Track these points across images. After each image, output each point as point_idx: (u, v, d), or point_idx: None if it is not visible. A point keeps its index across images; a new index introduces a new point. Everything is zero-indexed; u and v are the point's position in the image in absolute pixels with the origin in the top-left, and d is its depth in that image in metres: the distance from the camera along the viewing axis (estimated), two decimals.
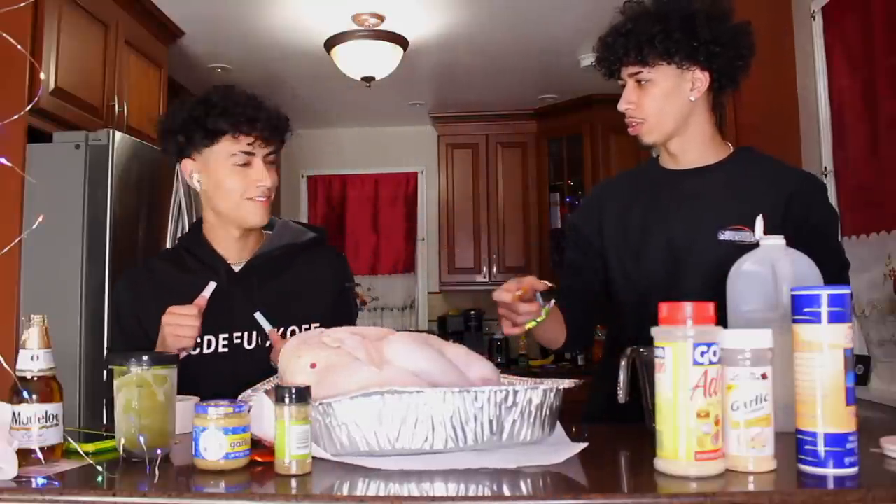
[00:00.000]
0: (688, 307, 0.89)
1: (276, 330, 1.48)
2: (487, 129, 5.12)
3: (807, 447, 0.89)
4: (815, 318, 0.89)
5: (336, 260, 1.67)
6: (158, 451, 0.98)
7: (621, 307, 1.56)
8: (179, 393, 1.08)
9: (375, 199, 5.54)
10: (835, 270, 1.35)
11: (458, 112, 5.07)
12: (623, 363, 1.18)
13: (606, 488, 0.91)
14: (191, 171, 1.52)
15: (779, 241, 1.12)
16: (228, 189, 1.49)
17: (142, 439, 0.99)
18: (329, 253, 1.67)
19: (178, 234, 2.73)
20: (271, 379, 1.25)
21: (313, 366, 1.08)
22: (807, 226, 1.40)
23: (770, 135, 2.60)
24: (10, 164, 1.14)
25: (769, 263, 1.10)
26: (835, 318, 0.89)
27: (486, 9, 3.40)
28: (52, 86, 2.51)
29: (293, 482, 0.91)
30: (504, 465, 0.95)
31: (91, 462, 0.95)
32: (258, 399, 1.04)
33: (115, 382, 1.04)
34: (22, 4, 2.06)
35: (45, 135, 2.54)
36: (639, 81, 1.45)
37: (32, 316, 1.05)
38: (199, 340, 1.47)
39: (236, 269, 1.54)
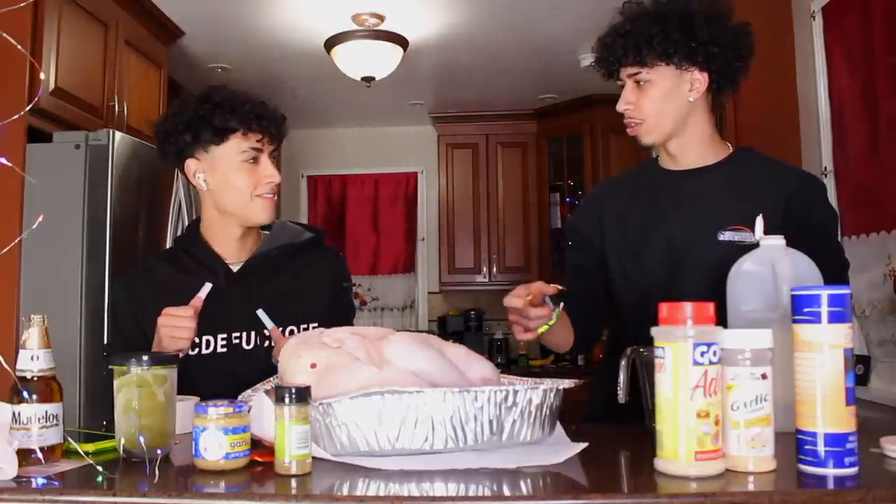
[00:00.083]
0: (688, 307, 0.89)
1: (276, 328, 1.48)
2: (487, 129, 5.12)
3: (807, 447, 0.89)
4: (815, 318, 0.89)
5: (334, 260, 1.67)
6: (158, 451, 0.98)
7: (621, 307, 1.57)
8: (179, 393, 1.08)
9: (375, 199, 5.54)
10: (835, 270, 1.35)
11: (458, 112, 5.07)
12: (623, 363, 1.18)
13: (606, 488, 0.91)
14: (195, 171, 1.52)
15: (779, 241, 1.12)
16: (238, 187, 1.50)
17: (142, 439, 0.99)
18: (327, 253, 1.67)
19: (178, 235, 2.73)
20: (271, 379, 1.25)
21: (313, 366, 1.08)
22: (807, 226, 1.40)
23: (770, 135, 2.60)
24: (10, 164, 1.14)
25: (769, 263, 1.10)
26: (835, 318, 0.89)
27: (486, 9, 3.40)
28: (52, 86, 2.51)
29: (293, 482, 0.91)
30: (504, 465, 0.95)
31: (91, 462, 0.95)
32: (258, 399, 1.04)
33: (115, 382, 1.04)
34: (22, 4, 2.06)
35: (45, 135, 2.54)
36: (637, 82, 1.45)
37: (32, 316, 1.05)
38: (197, 341, 1.47)
39: (234, 269, 1.54)
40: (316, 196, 5.58)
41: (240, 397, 1.08)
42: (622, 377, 1.18)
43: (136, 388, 1.02)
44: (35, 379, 1.03)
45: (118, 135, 2.58)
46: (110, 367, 1.05)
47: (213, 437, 0.94)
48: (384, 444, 0.99)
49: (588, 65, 3.77)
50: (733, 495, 0.82)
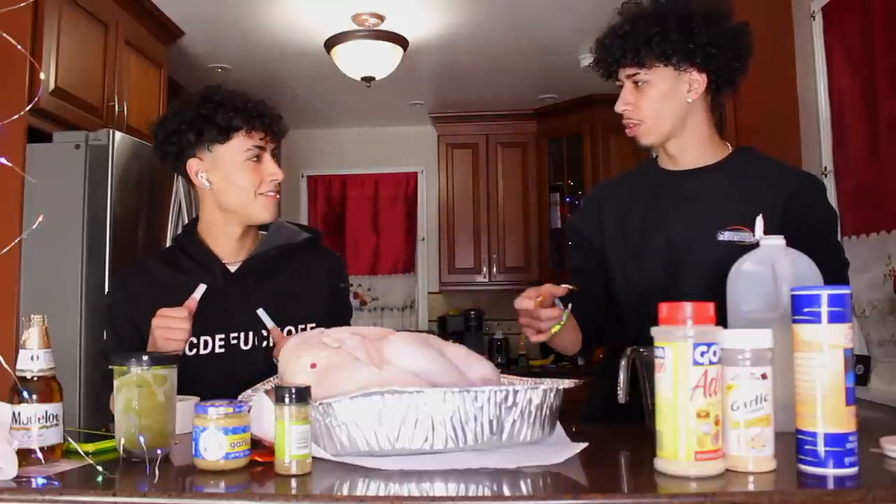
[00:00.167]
0: (688, 307, 0.89)
1: (277, 327, 1.48)
2: (487, 129, 5.12)
3: (807, 447, 0.89)
4: (815, 318, 0.89)
5: (331, 261, 1.68)
6: (158, 451, 0.98)
7: (621, 308, 1.57)
8: (178, 393, 1.08)
9: (375, 199, 5.53)
10: (834, 270, 1.36)
11: (458, 112, 5.07)
12: (623, 363, 1.18)
13: (606, 488, 0.91)
14: (197, 170, 1.52)
15: (779, 241, 1.12)
16: (241, 185, 1.50)
17: (142, 439, 0.99)
18: (324, 254, 1.67)
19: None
20: (271, 379, 1.25)
21: (313, 366, 1.08)
22: (806, 226, 1.40)
23: (770, 135, 2.60)
24: (10, 164, 1.14)
25: (769, 263, 1.10)
26: (835, 318, 0.89)
27: (486, 9, 3.40)
28: (52, 86, 2.51)
29: (293, 482, 0.91)
30: (504, 465, 0.95)
31: (91, 462, 0.95)
32: (258, 399, 1.04)
33: (116, 382, 1.04)
34: (22, 4, 2.06)
35: (45, 135, 2.54)
36: (636, 83, 1.45)
37: (32, 316, 1.05)
38: (195, 341, 1.47)
39: (232, 269, 1.54)
40: (316, 196, 5.58)
41: (240, 397, 1.08)
42: (622, 377, 1.18)
43: (136, 388, 1.02)
44: (35, 379, 1.03)
45: (118, 135, 2.58)
46: (110, 367, 1.05)
47: (213, 437, 0.94)
48: (384, 444, 0.99)
49: (588, 65, 3.77)
50: (733, 495, 0.82)
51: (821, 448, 0.88)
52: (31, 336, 1.04)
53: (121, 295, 1.55)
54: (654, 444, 0.91)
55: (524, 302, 1.31)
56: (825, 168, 2.49)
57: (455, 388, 1.00)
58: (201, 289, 1.39)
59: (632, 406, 1.18)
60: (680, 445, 0.87)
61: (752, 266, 1.12)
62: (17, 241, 2.30)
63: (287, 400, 0.93)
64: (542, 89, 4.68)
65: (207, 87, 1.54)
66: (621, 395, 1.18)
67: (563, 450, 1.02)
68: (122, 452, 1.02)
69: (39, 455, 0.98)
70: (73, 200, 2.49)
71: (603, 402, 1.47)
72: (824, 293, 0.89)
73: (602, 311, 1.58)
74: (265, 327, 1.49)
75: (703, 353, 0.88)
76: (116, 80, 2.92)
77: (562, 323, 1.33)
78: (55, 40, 2.52)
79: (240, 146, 1.50)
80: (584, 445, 1.04)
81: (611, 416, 1.38)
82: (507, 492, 0.87)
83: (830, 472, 0.87)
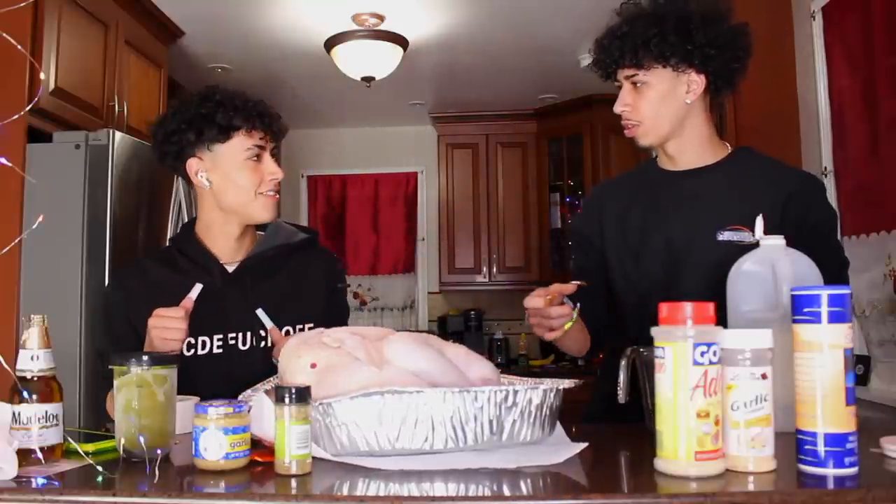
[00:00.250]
0: (688, 307, 0.89)
1: (276, 327, 1.48)
2: (487, 129, 5.12)
3: (807, 447, 0.89)
4: (815, 318, 0.89)
5: (328, 261, 1.68)
6: (158, 451, 0.98)
7: (622, 308, 1.57)
8: (177, 394, 1.08)
9: (375, 199, 5.53)
10: (834, 270, 1.36)
11: (458, 112, 5.07)
12: (623, 363, 1.18)
13: (606, 488, 0.91)
14: (197, 170, 1.52)
15: (779, 241, 1.12)
16: (241, 185, 1.50)
17: (142, 439, 0.99)
18: (321, 254, 1.68)
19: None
20: (271, 379, 1.25)
21: (313, 366, 1.08)
22: (806, 225, 1.40)
23: (770, 135, 2.60)
24: (10, 164, 1.14)
25: (769, 263, 1.11)
26: (835, 318, 0.89)
27: (486, 9, 3.40)
28: (52, 86, 2.51)
29: (293, 482, 0.91)
30: (504, 465, 0.95)
31: (91, 462, 0.95)
32: (258, 399, 1.04)
33: (115, 382, 1.04)
34: (22, 4, 2.06)
35: (45, 135, 2.54)
36: (635, 84, 1.45)
37: (32, 316, 1.05)
38: (193, 341, 1.47)
39: (230, 269, 1.54)
40: (316, 196, 5.58)
41: (240, 397, 1.08)
42: (622, 377, 1.18)
43: (136, 388, 1.02)
44: (35, 379, 1.03)
45: (118, 135, 2.58)
46: (109, 367, 1.05)
47: (213, 437, 0.94)
48: (384, 444, 0.99)
49: (587, 65, 3.77)
50: (733, 495, 0.82)
51: (821, 448, 0.88)
52: (31, 336, 1.04)
53: (118, 295, 1.54)
54: (654, 444, 0.91)
55: (534, 300, 1.31)
56: (825, 168, 2.49)
57: (455, 388, 1.00)
58: (197, 288, 1.39)
59: (632, 406, 1.18)
60: (680, 445, 0.87)
61: (752, 266, 1.12)
62: (17, 241, 2.30)
63: (287, 400, 0.93)
64: (542, 89, 4.68)
65: (207, 86, 1.54)
66: (621, 395, 1.18)
67: (563, 450, 1.02)
68: (122, 452, 1.02)
69: (39, 455, 0.98)
70: (73, 200, 2.49)
71: (603, 402, 1.47)
72: (824, 293, 0.89)
73: (605, 311, 1.58)
74: (263, 327, 1.49)
75: (703, 353, 0.88)
76: (116, 80, 2.92)
77: (573, 319, 1.34)
78: (55, 40, 2.52)
79: (240, 145, 1.50)
80: (584, 445, 1.04)
81: (611, 416, 1.38)
82: (507, 492, 0.87)
83: (830, 472, 0.87)
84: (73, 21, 2.63)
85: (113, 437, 1.06)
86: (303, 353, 1.10)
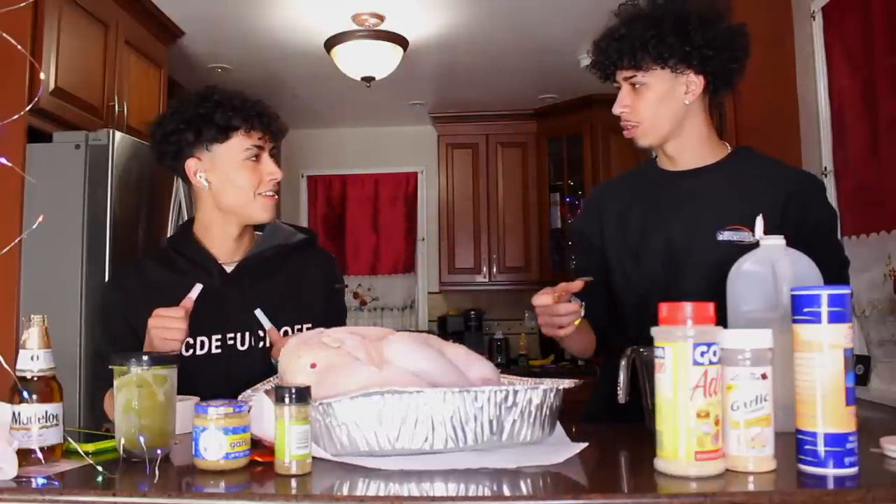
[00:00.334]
0: (688, 307, 0.89)
1: (274, 328, 1.48)
2: (487, 129, 5.12)
3: (807, 447, 0.89)
4: (815, 318, 0.89)
5: (326, 262, 1.68)
6: (158, 451, 0.98)
7: (622, 308, 1.57)
8: (177, 393, 1.08)
9: (375, 199, 5.53)
10: (835, 270, 1.36)
11: (458, 112, 5.07)
12: (623, 363, 1.18)
13: (606, 488, 0.91)
14: (196, 170, 1.51)
15: (779, 241, 1.12)
16: (240, 185, 1.50)
17: (142, 439, 0.99)
18: (319, 254, 1.68)
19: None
20: (271, 379, 1.25)
21: (313, 366, 1.08)
22: (806, 225, 1.40)
23: (770, 135, 2.60)
24: (10, 164, 1.14)
25: (769, 263, 1.11)
26: (835, 318, 0.89)
27: (486, 9, 3.40)
28: (52, 86, 2.51)
29: (293, 482, 0.91)
30: (504, 465, 0.95)
31: (91, 462, 0.95)
32: (258, 399, 1.04)
33: (115, 382, 1.04)
34: (22, 4, 2.06)
35: (45, 135, 2.54)
36: (633, 85, 1.45)
37: (32, 316, 1.05)
38: (191, 342, 1.47)
39: (228, 269, 1.54)
40: (316, 196, 5.58)
41: (240, 397, 1.08)
42: (622, 377, 1.18)
43: (136, 388, 1.02)
44: (35, 379, 1.03)
45: (118, 135, 2.58)
46: (109, 367, 1.05)
47: (213, 437, 0.94)
48: (384, 444, 0.99)
49: (586, 66, 3.77)
50: (733, 495, 0.82)
51: (821, 448, 0.88)
52: (31, 336, 1.04)
53: (116, 295, 1.54)
54: (654, 444, 0.91)
55: (542, 298, 1.32)
56: (825, 168, 2.49)
57: (455, 388, 1.00)
58: (197, 288, 1.39)
59: (632, 406, 1.18)
60: (680, 445, 0.87)
61: (752, 266, 1.12)
62: (17, 241, 2.30)
63: (287, 400, 0.93)
64: (542, 89, 4.68)
65: (206, 86, 1.54)
66: (621, 395, 1.18)
67: (563, 450, 1.02)
68: (122, 452, 1.02)
69: (39, 455, 0.98)
70: (73, 200, 2.50)
71: (603, 402, 1.47)
72: (824, 293, 0.89)
73: (607, 311, 1.58)
74: (262, 328, 1.49)
75: (703, 353, 0.88)
76: (116, 80, 2.92)
77: (581, 316, 1.34)
78: (55, 40, 2.52)
79: (239, 146, 1.49)
80: (584, 445, 1.04)
81: (611, 416, 1.38)
82: (507, 492, 0.87)
83: (830, 472, 0.87)
84: (73, 21, 2.63)
85: (113, 437, 1.06)
86: (303, 353, 1.10)
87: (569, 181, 4.98)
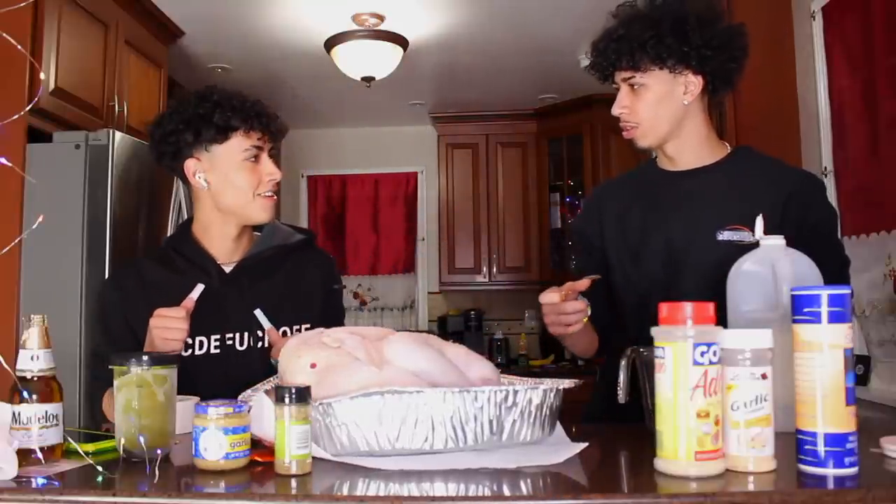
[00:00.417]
0: (688, 307, 0.89)
1: (274, 328, 1.48)
2: (487, 129, 5.12)
3: (807, 447, 0.89)
4: (815, 318, 0.89)
5: (325, 262, 1.68)
6: (158, 451, 0.98)
7: (622, 308, 1.57)
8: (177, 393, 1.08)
9: (375, 199, 5.53)
10: (835, 269, 1.36)
11: (458, 112, 5.07)
12: (623, 363, 1.18)
13: (606, 488, 0.91)
14: (195, 170, 1.51)
15: (779, 241, 1.12)
16: (240, 186, 1.50)
17: (142, 439, 0.99)
18: (318, 255, 1.68)
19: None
20: (271, 379, 1.25)
21: (313, 366, 1.08)
22: (806, 225, 1.40)
23: (770, 135, 2.60)
24: (10, 164, 1.14)
25: (769, 263, 1.11)
26: (835, 318, 0.89)
27: (486, 9, 3.40)
28: (52, 86, 2.52)
29: (293, 482, 0.91)
30: (504, 465, 0.95)
31: (91, 462, 0.95)
32: (258, 399, 1.04)
33: (115, 382, 1.04)
34: (22, 4, 2.06)
35: (45, 135, 2.54)
36: (632, 86, 1.46)
37: (32, 316, 1.05)
38: (190, 342, 1.47)
39: (227, 269, 1.54)
40: (316, 196, 5.58)
41: (240, 397, 1.08)
42: (622, 377, 1.18)
43: (136, 388, 1.02)
44: (35, 379, 1.03)
45: (118, 135, 2.58)
46: (109, 367, 1.05)
47: (213, 437, 0.94)
48: (384, 444, 0.99)
49: (585, 67, 3.77)
50: (733, 495, 0.82)
51: (821, 448, 0.88)
52: (31, 336, 1.04)
53: (115, 295, 1.53)
54: (654, 444, 0.91)
55: (550, 295, 1.32)
56: (825, 168, 2.49)
57: (455, 388, 1.00)
58: (199, 289, 1.39)
59: (632, 406, 1.18)
60: (680, 445, 0.87)
61: (752, 266, 1.12)
62: (17, 241, 2.30)
63: (287, 400, 0.93)
64: (542, 89, 4.68)
65: (205, 86, 1.53)
66: (621, 395, 1.18)
67: (563, 450, 1.02)
68: (122, 452, 1.02)
69: (39, 455, 0.98)
70: (73, 200, 2.50)
71: (603, 402, 1.47)
72: (824, 293, 0.89)
73: (608, 310, 1.58)
74: (261, 328, 1.49)
75: (703, 353, 0.88)
76: (116, 80, 2.92)
77: (588, 314, 1.34)
78: (55, 40, 2.52)
79: (238, 146, 1.49)
80: (584, 445, 1.04)
81: (611, 416, 1.38)
82: (507, 492, 0.87)
83: (830, 472, 0.87)
84: (73, 21, 2.63)
85: (113, 437, 1.06)
86: (303, 353, 1.10)
87: (569, 181, 4.98)
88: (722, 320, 0.99)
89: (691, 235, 1.46)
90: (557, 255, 4.93)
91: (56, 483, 0.90)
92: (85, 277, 2.47)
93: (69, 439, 1.02)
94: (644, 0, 1.47)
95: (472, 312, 5.14)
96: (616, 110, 1.48)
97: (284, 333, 1.50)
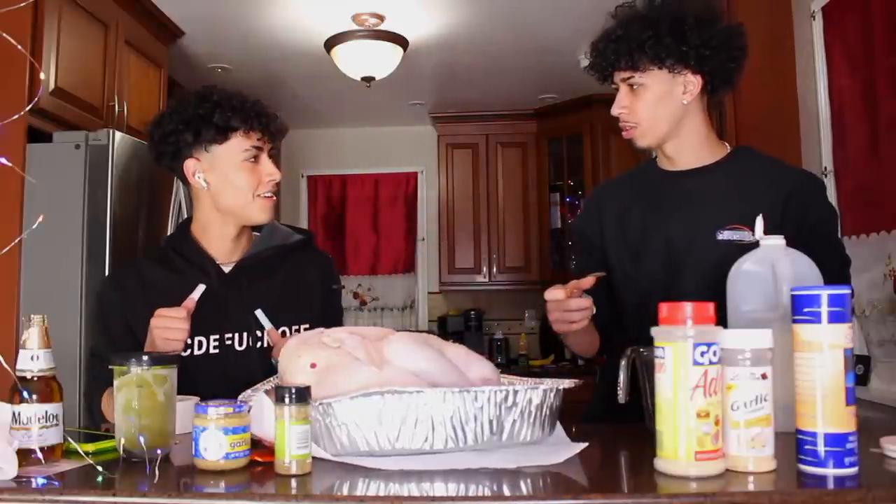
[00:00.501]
0: (688, 307, 0.89)
1: (274, 328, 1.48)
2: (487, 129, 5.12)
3: (807, 447, 0.89)
4: (815, 318, 0.89)
5: (324, 262, 1.68)
6: (158, 451, 0.98)
7: (622, 307, 1.57)
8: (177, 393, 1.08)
9: (375, 199, 5.54)
10: (835, 269, 1.36)
11: (458, 112, 5.07)
12: (623, 363, 1.18)
13: (606, 488, 0.91)
14: (194, 171, 1.51)
15: (779, 241, 1.12)
16: (239, 186, 1.50)
17: (142, 439, 0.99)
18: (316, 255, 1.68)
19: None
20: (271, 379, 1.25)
21: (313, 366, 1.08)
22: (806, 225, 1.40)
23: (770, 135, 2.60)
24: (10, 164, 1.14)
25: (769, 263, 1.11)
26: (835, 318, 0.89)
27: (486, 9, 3.40)
28: (52, 86, 2.52)
29: (293, 482, 0.91)
30: (504, 465, 0.95)
31: (91, 462, 0.95)
32: (258, 399, 1.04)
33: (115, 382, 1.04)
34: (22, 4, 2.06)
35: (45, 135, 2.54)
36: (631, 86, 1.46)
37: (32, 316, 1.05)
38: (189, 342, 1.46)
39: (226, 269, 1.54)
40: (316, 196, 5.58)
41: (240, 397, 1.08)
42: (622, 377, 1.18)
43: (136, 388, 1.02)
44: (35, 379, 1.03)
45: (118, 135, 2.58)
46: (109, 367, 1.05)
47: (213, 437, 0.94)
48: (384, 444, 0.99)
49: (585, 68, 3.77)
50: (733, 495, 0.82)
51: (821, 448, 0.88)
52: (31, 336, 1.04)
53: (115, 295, 1.53)
54: (654, 444, 0.91)
55: (555, 292, 1.32)
56: (825, 168, 2.49)
57: (455, 388, 1.00)
58: (200, 289, 1.39)
59: (632, 406, 1.18)
60: (680, 445, 0.87)
61: (752, 266, 1.12)
62: (17, 241, 2.30)
63: (287, 400, 0.93)
64: (542, 89, 4.68)
65: (204, 86, 1.53)
66: (621, 395, 1.18)
67: (563, 450, 1.02)
68: (122, 452, 1.02)
69: (39, 455, 0.98)
70: (73, 200, 2.50)
71: (603, 402, 1.47)
72: (824, 293, 0.89)
73: (609, 309, 1.59)
74: (260, 328, 1.49)
75: (703, 353, 0.88)
76: (116, 80, 2.92)
77: (593, 312, 1.35)
78: (55, 40, 2.52)
79: (238, 146, 1.49)
80: (584, 445, 1.04)
81: (611, 416, 1.38)
82: (507, 492, 0.87)
83: (830, 472, 0.87)
84: (73, 21, 2.63)
85: (113, 437, 1.06)
86: (303, 353, 1.10)
87: (569, 181, 4.98)
88: (722, 320, 0.99)
89: (691, 235, 1.46)
90: (557, 255, 4.93)
91: (56, 483, 0.90)
92: (85, 277, 2.47)
93: (69, 439, 1.02)
94: (643, 1, 1.47)
95: (472, 312, 5.14)
96: (615, 110, 1.48)
97: (284, 333, 1.50)
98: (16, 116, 1.65)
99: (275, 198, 1.54)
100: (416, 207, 5.50)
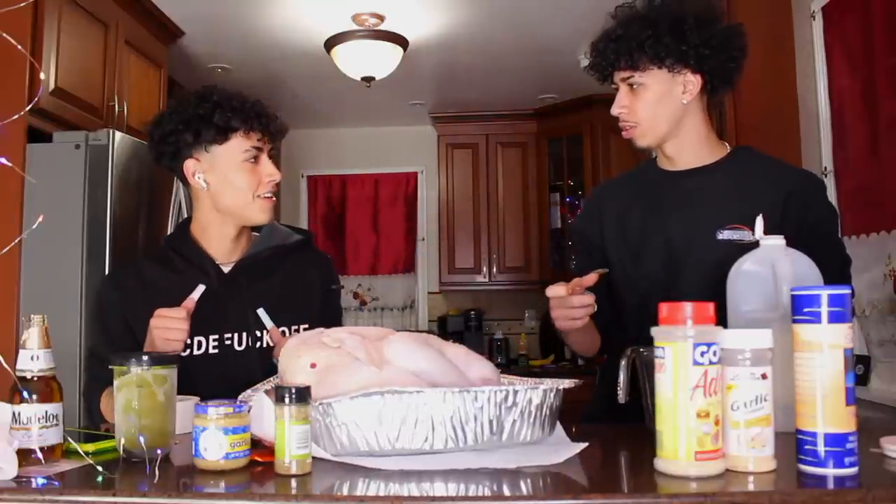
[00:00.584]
0: (688, 307, 0.89)
1: (276, 328, 1.48)
2: (487, 129, 5.12)
3: (807, 447, 0.89)
4: (815, 318, 0.89)
5: (323, 262, 1.68)
6: (158, 451, 0.98)
7: (622, 307, 1.57)
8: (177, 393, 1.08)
9: (375, 199, 5.54)
10: (836, 269, 1.36)
11: (458, 112, 5.07)
12: (623, 363, 1.18)
13: (606, 488, 0.91)
14: (194, 171, 1.51)
15: (779, 241, 1.12)
16: (239, 187, 1.49)
17: (142, 439, 0.99)
18: (316, 255, 1.68)
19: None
20: (271, 379, 1.25)
21: (313, 366, 1.08)
22: (806, 224, 1.40)
23: (770, 135, 2.60)
24: (10, 164, 1.14)
25: (769, 263, 1.11)
26: (835, 318, 0.89)
27: (486, 9, 3.40)
28: (52, 86, 2.52)
29: (293, 482, 0.91)
30: (504, 465, 0.95)
31: (91, 462, 0.95)
32: (258, 399, 1.04)
33: (115, 382, 1.04)
34: (22, 4, 2.06)
35: (45, 135, 2.54)
36: (631, 86, 1.46)
37: (32, 316, 1.05)
38: (189, 342, 1.46)
39: (225, 269, 1.54)
40: (316, 196, 5.58)
41: (240, 397, 1.08)
42: (622, 377, 1.18)
43: (136, 388, 1.02)
44: (35, 379, 1.03)
45: (118, 135, 2.58)
46: (109, 366, 1.05)
47: (213, 437, 0.94)
48: (384, 444, 0.99)
49: (584, 68, 3.76)
50: (733, 495, 0.82)
51: (821, 448, 0.88)
52: (31, 336, 1.04)
53: (115, 295, 1.53)
54: (654, 444, 0.91)
55: (557, 289, 1.32)
56: (825, 168, 2.49)
57: (455, 388, 1.00)
58: (200, 289, 1.39)
59: (632, 406, 1.18)
60: (680, 445, 0.87)
61: (752, 266, 1.12)
62: (17, 241, 2.30)
63: (287, 400, 0.93)
64: (542, 89, 4.68)
65: (204, 86, 1.53)
66: (621, 395, 1.18)
67: (563, 450, 1.02)
68: (122, 452, 1.02)
69: (39, 455, 0.98)
70: (73, 200, 2.50)
71: (603, 402, 1.47)
72: (824, 293, 0.89)
73: (610, 308, 1.59)
74: (259, 328, 1.49)
75: (703, 353, 0.88)
76: (116, 80, 2.92)
77: (595, 309, 1.35)
78: (55, 40, 2.52)
79: (238, 147, 1.49)
80: (584, 445, 1.04)
81: (611, 416, 1.38)
82: (507, 492, 0.87)
83: (830, 472, 0.87)
84: (73, 21, 2.63)
85: (113, 437, 1.06)
86: (303, 353, 1.11)
87: (569, 181, 4.98)
88: (722, 320, 0.99)
89: (691, 235, 1.46)
90: (557, 255, 4.93)
91: (56, 483, 0.90)
92: (85, 277, 2.47)
93: (69, 439, 1.02)
94: (642, 1, 1.47)
95: (472, 312, 5.14)
96: (615, 110, 1.49)
97: (283, 333, 1.50)
98: (16, 116, 1.65)
99: (274, 198, 1.54)
100: (416, 207, 5.50)
